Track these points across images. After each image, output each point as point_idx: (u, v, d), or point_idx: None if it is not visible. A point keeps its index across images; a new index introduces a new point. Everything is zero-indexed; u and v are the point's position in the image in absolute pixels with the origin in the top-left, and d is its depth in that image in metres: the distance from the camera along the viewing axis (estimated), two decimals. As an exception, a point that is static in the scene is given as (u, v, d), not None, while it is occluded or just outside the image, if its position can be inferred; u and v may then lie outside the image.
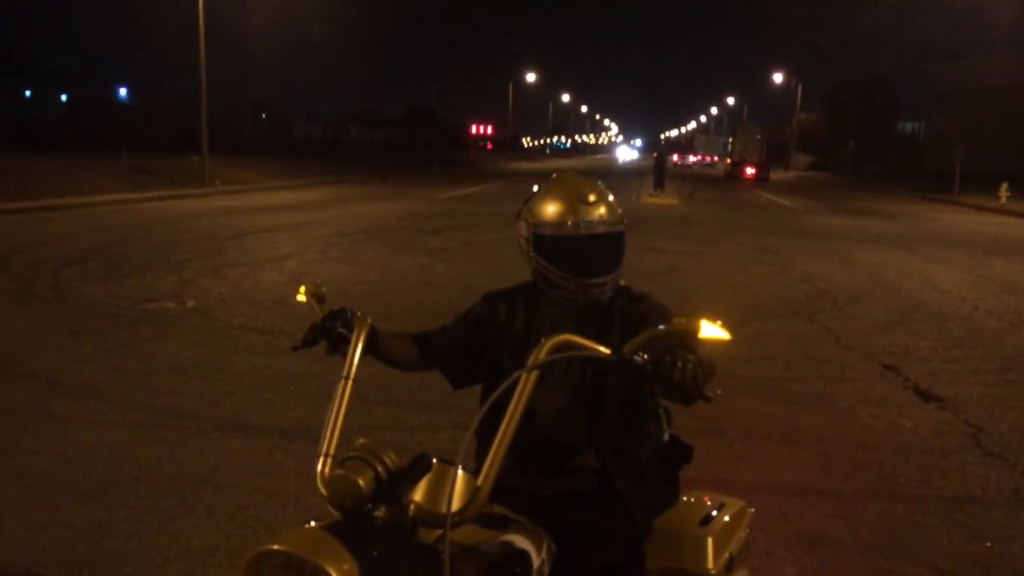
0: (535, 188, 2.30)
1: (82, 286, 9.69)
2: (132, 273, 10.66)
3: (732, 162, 56.54)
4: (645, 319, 2.15)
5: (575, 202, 2.19)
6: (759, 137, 58.51)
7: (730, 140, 75.64)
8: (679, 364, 1.69)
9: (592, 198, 2.20)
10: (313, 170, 36.38)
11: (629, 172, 56.95)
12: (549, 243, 2.21)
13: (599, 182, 2.33)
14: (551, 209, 2.21)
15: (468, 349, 2.36)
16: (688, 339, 1.71)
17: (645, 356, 1.71)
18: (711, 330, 1.68)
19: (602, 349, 1.75)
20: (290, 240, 14.47)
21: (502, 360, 2.28)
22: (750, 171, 49.58)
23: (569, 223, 2.18)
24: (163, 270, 10.93)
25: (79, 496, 4.14)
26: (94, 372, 6.26)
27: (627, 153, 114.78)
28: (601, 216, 2.19)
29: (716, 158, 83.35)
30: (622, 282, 2.31)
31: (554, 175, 2.34)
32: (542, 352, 1.77)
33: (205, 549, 3.65)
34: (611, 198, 2.28)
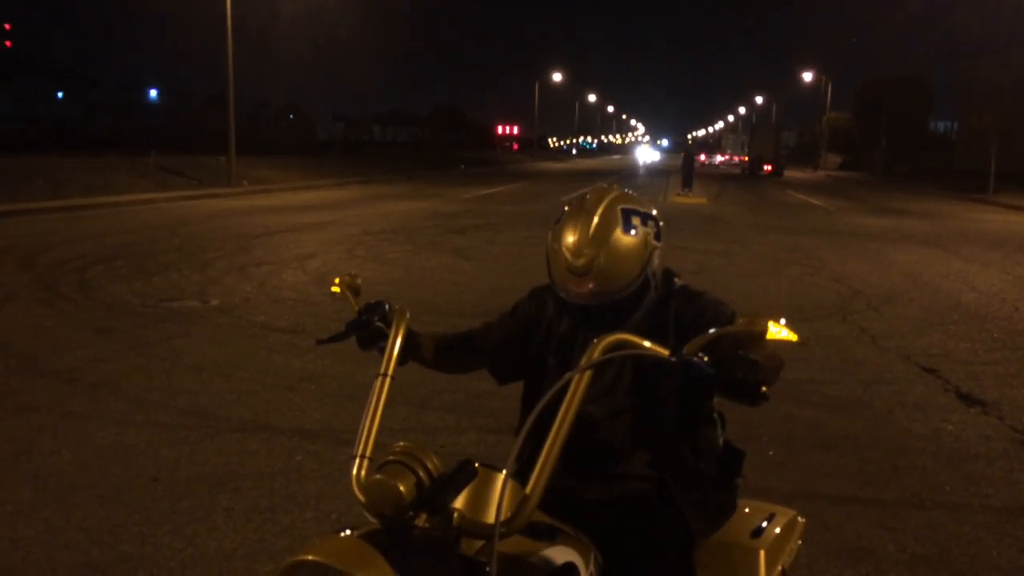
0: (565, 208, 2.08)
1: (108, 284, 9.68)
2: (157, 272, 10.64)
3: (750, 160, 60.10)
4: (701, 316, 2.01)
5: (566, 272, 1.96)
6: (774, 137, 59.57)
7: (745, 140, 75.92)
8: (742, 367, 1.58)
9: (580, 265, 1.93)
10: (339, 170, 36.49)
11: (656, 172, 56.69)
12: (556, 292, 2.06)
13: (618, 223, 1.96)
14: (552, 263, 2.02)
15: (514, 345, 2.25)
16: (754, 341, 1.60)
17: (705, 357, 1.59)
18: (778, 331, 1.58)
19: (660, 349, 1.63)
20: (315, 239, 14.42)
21: (547, 358, 2.16)
22: (767, 168, 54.28)
23: (562, 292, 2.00)
24: (188, 269, 10.91)
25: (95, 498, 4.05)
26: (115, 371, 6.20)
27: (648, 154, 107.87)
28: (592, 290, 1.94)
29: (745, 158, 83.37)
30: (679, 281, 2.15)
31: (566, 208, 2.06)
32: (596, 351, 1.64)
33: (221, 553, 3.55)
34: (620, 255, 1.93)
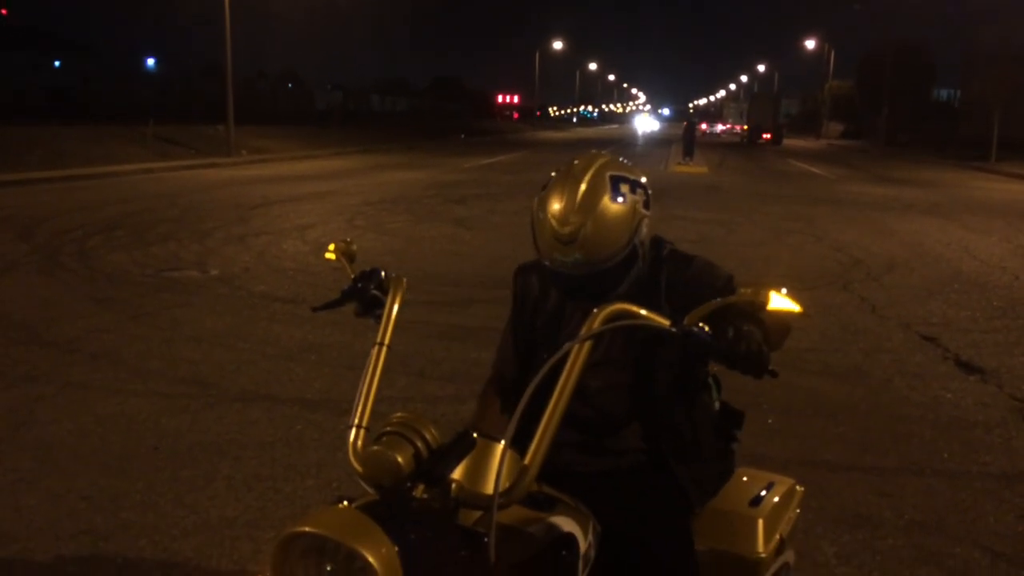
0: (552, 174, 2.02)
1: (107, 254, 9.66)
2: (157, 241, 10.62)
3: (749, 129, 59.89)
4: (695, 283, 1.98)
5: (551, 240, 1.90)
6: (772, 106, 59.51)
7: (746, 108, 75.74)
8: (743, 341, 1.57)
9: (567, 234, 1.87)
10: (338, 139, 36.29)
11: (656, 142, 56.41)
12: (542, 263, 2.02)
13: (606, 190, 1.90)
14: (537, 231, 1.95)
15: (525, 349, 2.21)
16: (755, 311, 1.59)
17: (706, 328, 1.58)
18: (780, 302, 1.57)
19: (661, 319, 1.61)
20: (315, 209, 14.38)
21: (535, 337, 2.14)
22: (765, 136, 54.47)
23: (547, 261, 1.95)
24: (187, 239, 10.88)
25: (97, 466, 4.07)
26: (116, 341, 6.20)
27: (647, 123, 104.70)
28: (578, 259, 1.89)
29: (745, 127, 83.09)
30: (668, 246, 2.11)
31: (553, 174, 2.01)
32: (596, 321, 1.63)
33: (223, 521, 3.57)
34: (607, 223, 1.87)
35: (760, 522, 2.11)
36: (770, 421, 4.78)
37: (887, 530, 3.59)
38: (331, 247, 2.14)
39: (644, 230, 1.96)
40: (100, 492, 3.80)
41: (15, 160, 20.28)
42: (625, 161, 2.03)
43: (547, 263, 1.96)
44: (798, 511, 2.36)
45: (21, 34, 69.65)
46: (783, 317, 1.66)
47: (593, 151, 2.07)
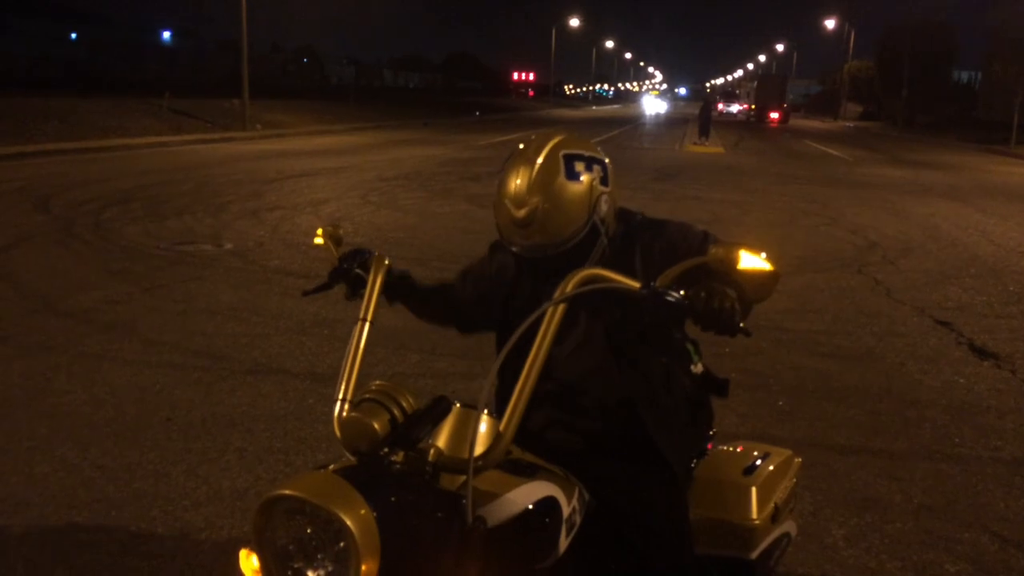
0: (510, 156, 2.00)
1: (123, 227, 9.71)
2: (172, 215, 10.66)
3: (756, 108, 59.26)
4: (670, 247, 1.96)
5: (510, 225, 1.91)
6: (779, 87, 59.04)
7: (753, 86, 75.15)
8: (716, 299, 1.57)
9: (522, 217, 1.87)
10: (353, 115, 36.23)
11: (672, 121, 56.02)
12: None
13: (560, 171, 1.88)
14: (497, 214, 1.95)
15: (477, 301, 2.24)
16: (727, 270, 1.59)
17: (682, 292, 1.58)
18: (751, 261, 1.57)
19: (631, 282, 1.62)
20: (329, 184, 14.38)
21: (511, 320, 2.12)
22: (774, 115, 53.90)
23: (509, 244, 1.96)
24: (202, 212, 10.91)
25: (110, 436, 4.11)
26: (130, 312, 6.25)
27: (656, 104, 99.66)
28: (537, 242, 1.89)
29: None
30: (640, 216, 2.08)
31: (510, 155, 1.98)
32: (569, 285, 1.64)
33: (234, 492, 3.61)
34: (563, 204, 1.86)
35: (753, 490, 2.12)
36: (781, 403, 4.78)
37: (896, 514, 3.59)
38: (319, 232, 2.18)
39: (604, 207, 1.93)
40: (113, 461, 3.84)
41: (31, 131, 20.36)
42: (578, 136, 1.99)
43: (509, 247, 1.96)
44: (795, 480, 2.36)
45: (39, 5, 69.68)
46: (759, 275, 1.65)
47: (549, 130, 2.03)
